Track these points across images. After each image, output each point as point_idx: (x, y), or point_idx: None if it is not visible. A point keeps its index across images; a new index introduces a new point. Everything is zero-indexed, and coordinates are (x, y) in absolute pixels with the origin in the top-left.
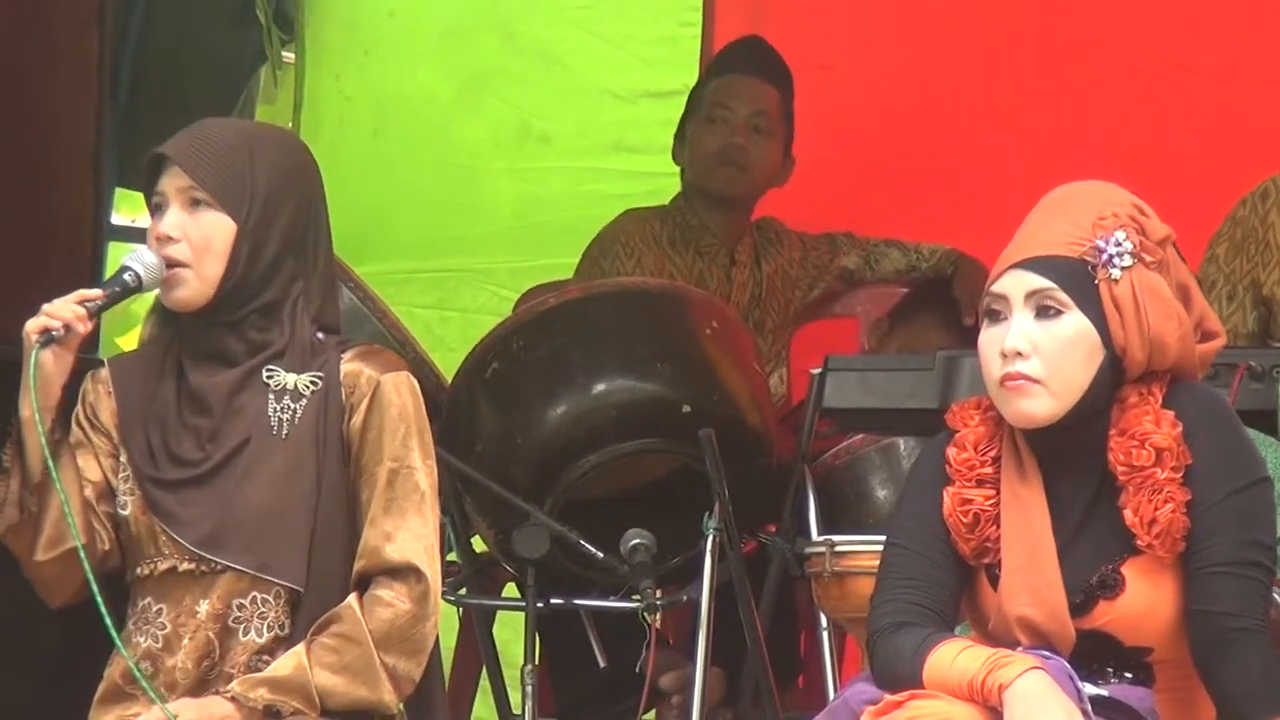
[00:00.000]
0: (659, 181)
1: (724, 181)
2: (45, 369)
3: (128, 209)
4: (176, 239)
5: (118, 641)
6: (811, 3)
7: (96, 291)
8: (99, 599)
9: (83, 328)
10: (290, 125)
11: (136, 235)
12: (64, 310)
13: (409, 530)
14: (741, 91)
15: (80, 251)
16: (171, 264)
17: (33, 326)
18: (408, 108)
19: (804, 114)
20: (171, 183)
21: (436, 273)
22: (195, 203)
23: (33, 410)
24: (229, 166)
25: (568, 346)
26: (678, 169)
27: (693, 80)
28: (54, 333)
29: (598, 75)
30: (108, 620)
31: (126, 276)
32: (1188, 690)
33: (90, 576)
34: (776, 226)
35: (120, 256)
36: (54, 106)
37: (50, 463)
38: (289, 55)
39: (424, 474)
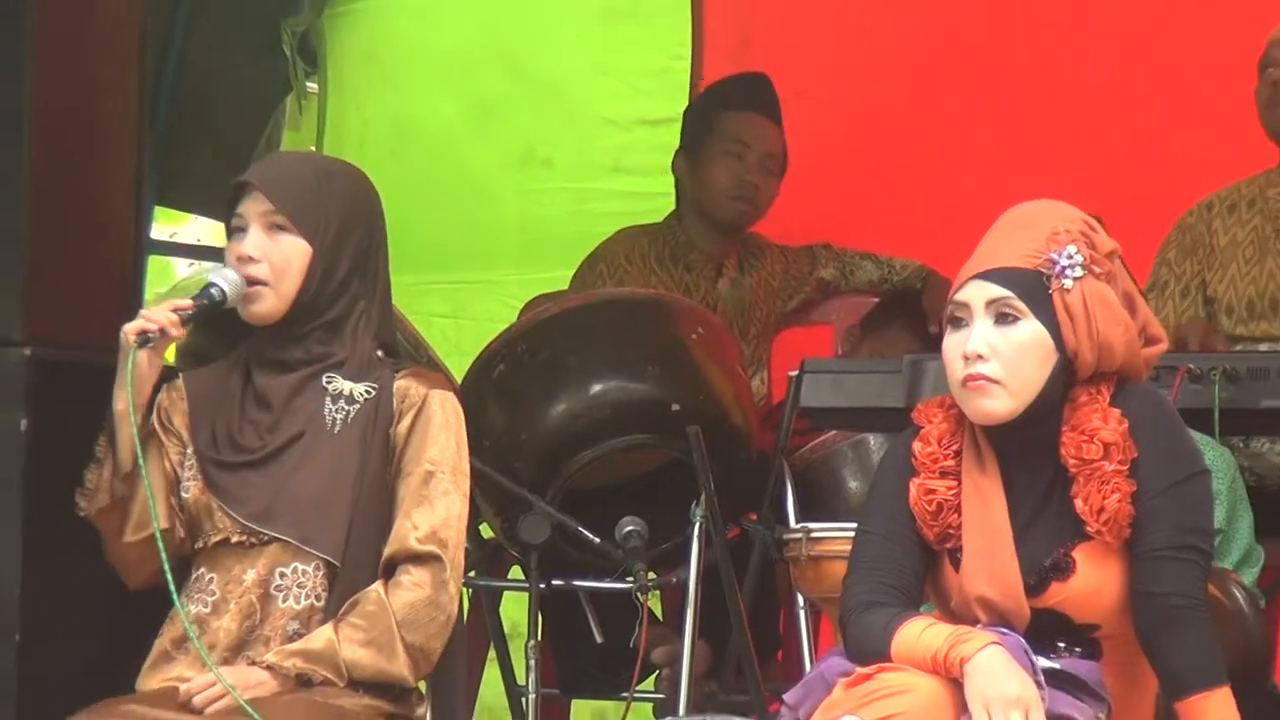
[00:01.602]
0: (653, 201)
1: (735, 214)
2: (140, 368)
3: (164, 223)
4: (258, 259)
5: (179, 608)
6: (792, 39)
7: (187, 302)
8: (169, 576)
9: (175, 332)
10: (314, 149)
11: (171, 248)
12: (159, 315)
13: (435, 523)
14: (757, 131)
15: (122, 262)
16: (252, 282)
17: (131, 329)
18: (422, 134)
19: (788, 137)
20: (253, 208)
21: (451, 284)
22: (275, 227)
23: (127, 405)
24: (306, 195)
25: (567, 351)
26: (672, 186)
27: (682, 107)
28: (150, 335)
29: (596, 104)
30: (175, 596)
31: (213, 291)
32: (1132, 664)
33: (163, 556)
34: (760, 241)
35: (158, 267)
36: (101, 135)
37: (139, 452)
38: (313, 86)
39: (454, 481)
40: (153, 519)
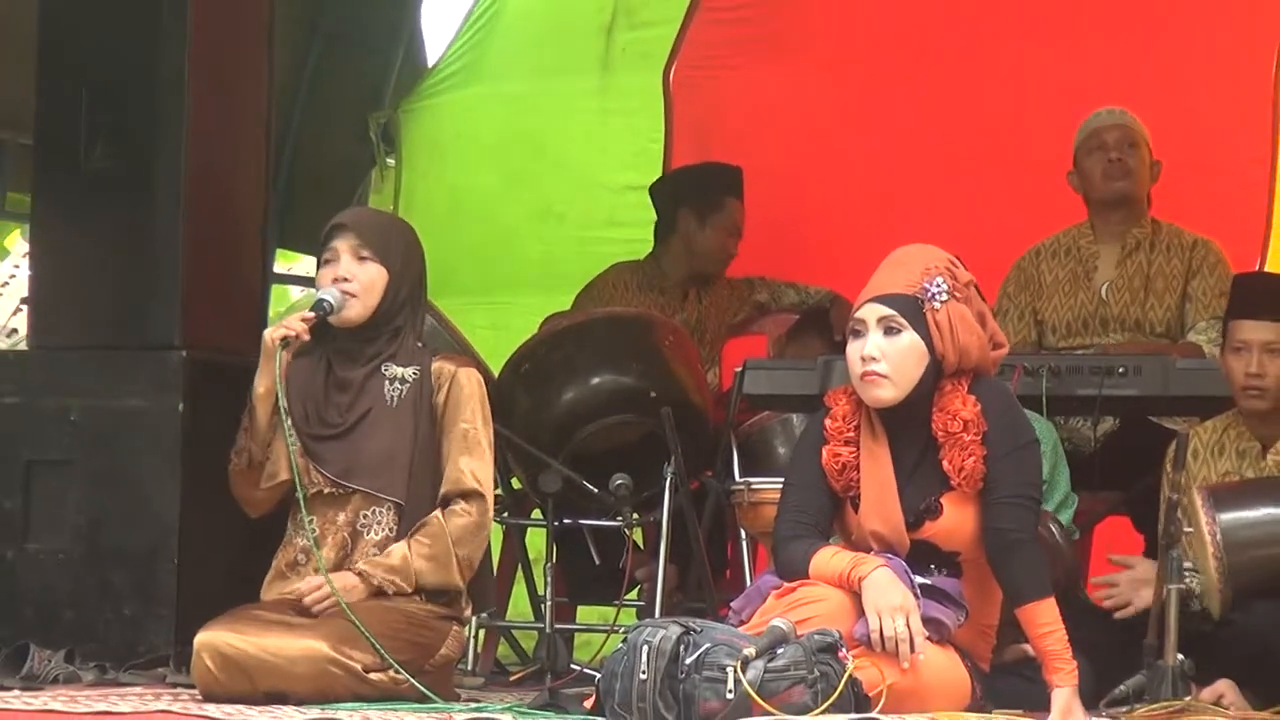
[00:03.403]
0: (636, 246)
1: (718, 266)
2: (281, 361)
3: (283, 261)
4: (350, 280)
5: (309, 530)
6: (734, 129)
7: (311, 314)
8: (305, 510)
9: (306, 336)
10: (392, 208)
11: (290, 279)
12: (295, 324)
13: (475, 467)
14: (739, 214)
15: (253, 288)
16: (348, 296)
17: (276, 334)
18: (469, 197)
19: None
20: (345, 243)
21: (491, 304)
22: (362, 257)
23: (268, 389)
24: (385, 236)
25: (574, 353)
26: (649, 233)
27: (657, 176)
28: (289, 339)
29: (597, 174)
30: (309, 524)
31: (325, 305)
32: (984, 581)
33: (301, 499)
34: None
35: (278, 293)
36: (236, 195)
37: (286, 421)
38: (391, 161)
39: (484, 434)
40: (291, 473)
